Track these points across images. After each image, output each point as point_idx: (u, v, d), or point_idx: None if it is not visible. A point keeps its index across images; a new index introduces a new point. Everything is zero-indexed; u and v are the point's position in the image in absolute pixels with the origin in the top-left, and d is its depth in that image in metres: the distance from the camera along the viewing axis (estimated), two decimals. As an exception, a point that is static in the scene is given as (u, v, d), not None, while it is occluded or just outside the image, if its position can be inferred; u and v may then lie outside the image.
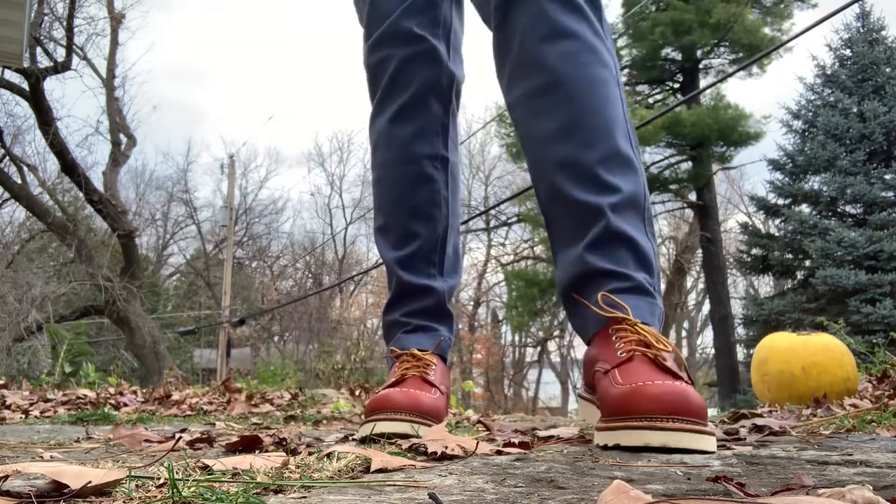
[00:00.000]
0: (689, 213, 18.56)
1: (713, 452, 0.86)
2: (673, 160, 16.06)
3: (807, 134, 13.50)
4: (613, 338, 1.01)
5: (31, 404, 2.81)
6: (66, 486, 0.59)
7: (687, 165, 16.05)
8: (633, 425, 0.88)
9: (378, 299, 23.45)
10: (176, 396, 3.23)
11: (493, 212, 21.32)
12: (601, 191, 1.08)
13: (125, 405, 3.00)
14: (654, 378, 0.91)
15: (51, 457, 0.97)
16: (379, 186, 1.41)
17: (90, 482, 0.59)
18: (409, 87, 1.32)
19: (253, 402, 3.05)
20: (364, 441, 1.11)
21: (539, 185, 1.19)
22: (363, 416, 1.21)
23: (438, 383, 1.23)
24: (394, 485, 0.65)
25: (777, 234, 13.95)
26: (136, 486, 0.63)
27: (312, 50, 37.66)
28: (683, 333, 23.50)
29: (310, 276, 23.68)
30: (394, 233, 1.37)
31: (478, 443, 0.93)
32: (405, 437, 1.07)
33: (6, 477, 0.61)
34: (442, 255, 1.37)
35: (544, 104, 1.14)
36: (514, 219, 21.39)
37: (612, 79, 1.15)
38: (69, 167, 10.36)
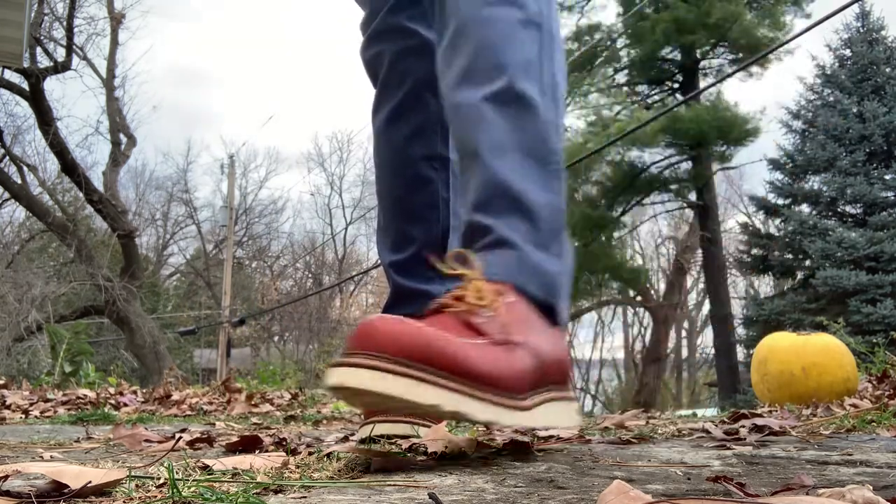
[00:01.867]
0: (689, 213, 18.57)
1: (396, 396, 0.71)
2: (673, 160, 16.06)
3: (807, 134, 13.50)
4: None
5: (31, 404, 2.81)
6: (66, 486, 0.59)
7: (687, 165, 16.05)
8: (339, 361, 0.74)
9: (378, 299, 23.44)
10: (176, 396, 3.23)
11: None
12: (486, 132, 0.98)
13: (125, 405, 3.00)
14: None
15: (51, 457, 0.97)
16: (378, 185, 1.38)
17: (90, 482, 0.59)
18: (404, 84, 1.28)
19: (253, 402, 3.05)
20: (364, 441, 1.07)
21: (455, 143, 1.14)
22: (362, 417, 1.17)
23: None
24: (394, 485, 0.65)
25: (777, 234, 13.96)
26: (136, 486, 0.63)
27: (312, 50, 37.68)
28: (683, 333, 23.52)
29: (310, 276, 23.69)
30: (391, 235, 1.34)
31: (478, 442, 0.93)
32: (406, 437, 1.03)
33: (6, 477, 0.61)
34: (441, 256, 1.32)
35: (449, 54, 1.06)
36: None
37: (521, 19, 1.03)
38: (69, 167, 10.37)
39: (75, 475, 0.60)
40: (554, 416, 0.90)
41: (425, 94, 1.28)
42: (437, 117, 1.28)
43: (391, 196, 1.34)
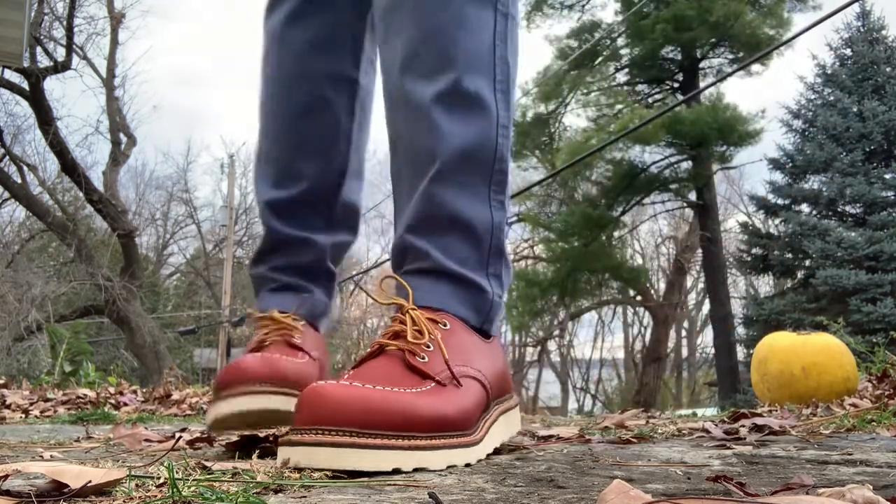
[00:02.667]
0: (689, 212, 18.57)
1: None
2: (673, 160, 16.06)
3: (806, 134, 13.50)
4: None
5: (31, 404, 2.81)
6: (66, 486, 0.59)
7: (687, 165, 16.05)
8: (291, 440, 0.70)
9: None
10: (176, 396, 3.23)
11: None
12: (430, 139, 0.87)
13: (125, 405, 3.00)
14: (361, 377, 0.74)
15: (51, 456, 0.97)
16: (264, 105, 1.12)
17: (90, 482, 0.59)
18: None
19: (253, 402, 3.04)
20: (216, 427, 0.94)
21: (387, 127, 0.96)
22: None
23: (308, 349, 1.01)
24: (394, 484, 0.65)
25: (777, 234, 13.96)
26: (137, 485, 0.63)
27: (312, 49, 37.67)
28: (683, 333, 23.51)
29: (310, 275, 23.65)
30: (274, 167, 1.11)
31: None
32: (270, 417, 0.90)
33: (6, 476, 0.61)
34: (332, 204, 1.11)
35: (393, 24, 0.91)
36: (514, 218, 21.40)
37: (477, 2, 0.90)
38: (69, 167, 10.37)
39: (76, 475, 0.60)
40: (502, 432, 0.87)
41: None
42: (350, 28, 1.07)
43: (282, 117, 1.10)
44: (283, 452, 0.70)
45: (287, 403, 0.89)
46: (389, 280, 0.85)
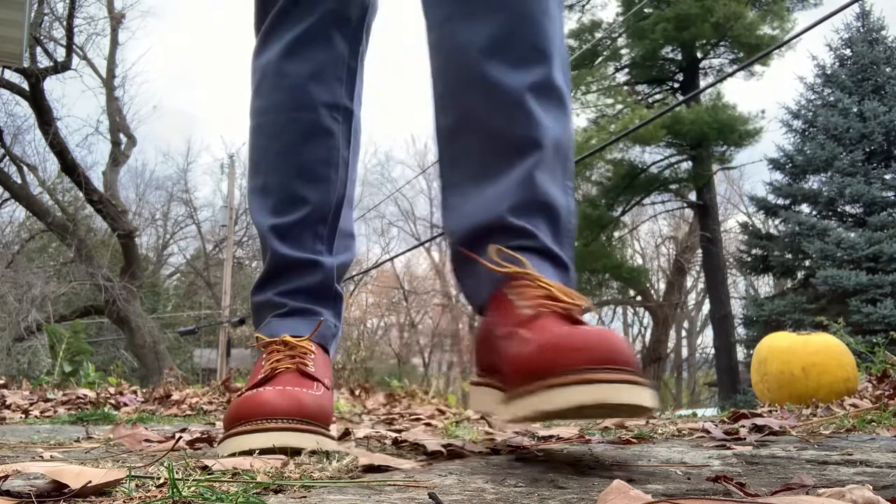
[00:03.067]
0: (689, 213, 18.58)
1: (652, 409, 0.69)
2: (673, 160, 16.07)
3: (806, 134, 13.51)
4: (509, 296, 0.82)
5: (31, 404, 2.81)
6: (66, 486, 0.59)
7: (687, 165, 16.06)
8: (557, 382, 0.67)
9: (378, 299, 23.47)
10: (176, 396, 3.23)
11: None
12: (527, 128, 0.89)
13: (125, 405, 3.00)
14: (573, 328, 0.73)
15: (51, 456, 0.97)
16: (259, 135, 1.13)
17: (90, 482, 0.59)
18: (311, 13, 1.07)
19: (253, 402, 3.04)
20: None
21: (447, 108, 0.95)
22: (223, 430, 0.95)
23: (321, 376, 0.99)
24: (394, 485, 0.65)
25: (777, 234, 13.97)
26: (137, 485, 0.63)
27: (312, 50, 37.69)
28: (683, 333, 23.52)
29: (310, 275, 23.65)
30: (274, 196, 1.10)
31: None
32: (293, 454, 0.83)
33: (6, 477, 0.61)
34: (333, 228, 1.11)
35: (475, 6, 0.91)
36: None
37: None
38: (69, 167, 10.37)
39: (75, 475, 0.60)
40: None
41: (332, 30, 1.09)
42: (344, 61, 1.10)
43: (280, 146, 1.11)
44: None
45: (310, 441, 0.87)
46: (495, 250, 0.85)
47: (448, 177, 0.97)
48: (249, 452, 0.82)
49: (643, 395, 0.68)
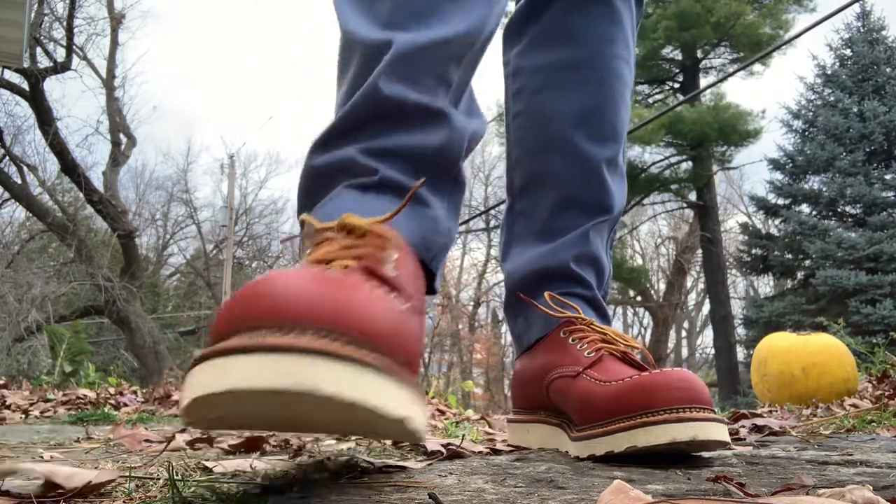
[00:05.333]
0: (689, 213, 18.58)
1: (729, 443, 0.76)
2: (673, 160, 16.07)
3: (807, 134, 13.51)
4: (570, 339, 0.88)
5: (31, 404, 2.81)
6: (60, 487, 0.59)
7: (687, 165, 16.06)
8: (653, 420, 0.72)
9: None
10: (176, 396, 3.23)
11: (493, 212, 21.33)
12: (601, 194, 0.98)
13: (125, 405, 3.00)
14: (645, 371, 0.79)
15: (51, 457, 0.97)
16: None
17: (90, 482, 0.59)
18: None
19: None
20: (193, 415, 0.49)
21: (525, 168, 1.01)
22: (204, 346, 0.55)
23: (405, 284, 0.58)
24: (394, 485, 0.65)
25: (777, 234, 13.97)
26: (137, 485, 0.63)
27: (313, 51, 37.71)
28: (683, 333, 23.52)
29: (310, 276, 23.65)
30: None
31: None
32: (315, 410, 0.45)
33: (5, 477, 0.61)
34: (468, 76, 0.80)
35: (572, 79, 0.98)
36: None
37: (631, 84, 1.04)
38: (69, 167, 10.37)
39: (67, 476, 0.60)
40: None
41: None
42: None
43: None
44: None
45: (374, 388, 0.45)
46: (549, 296, 0.91)
47: (513, 229, 1.02)
48: (222, 400, 0.44)
49: (724, 433, 0.74)
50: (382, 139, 0.73)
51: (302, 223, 0.67)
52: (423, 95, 0.74)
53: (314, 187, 0.75)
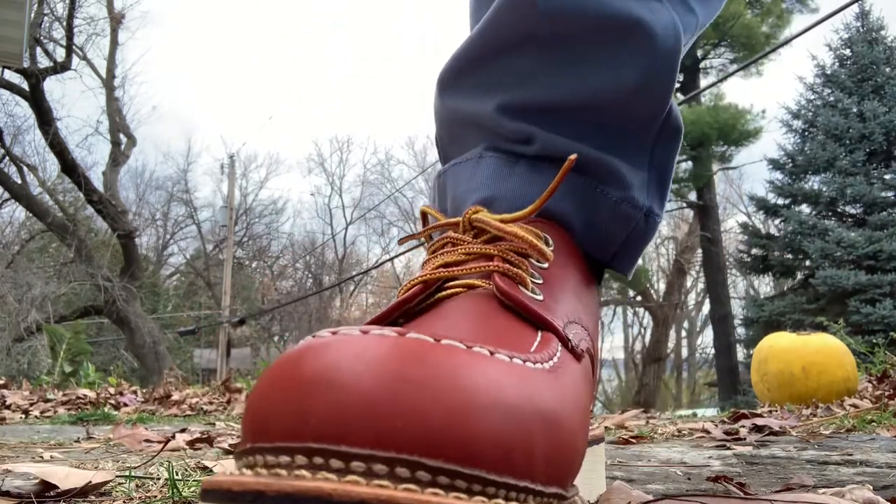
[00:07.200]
0: (689, 213, 18.57)
1: None
2: (673, 160, 16.07)
3: (807, 134, 13.51)
4: None
5: (31, 404, 2.81)
6: (55, 487, 0.59)
7: (687, 165, 16.06)
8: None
9: (378, 299, 23.44)
10: (176, 396, 3.23)
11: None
12: None
13: (125, 405, 3.00)
14: None
15: (51, 457, 0.97)
16: None
17: (90, 482, 0.59)
18: None
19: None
20: None
21: None
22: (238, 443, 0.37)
23: (556, 317, 0.39)
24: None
25: (777, 234, 13.97)
26: (137, 485, 0.63)
27: (313, 51, 37.71)
28: (683, 333, 23.52)
29: (310, 276, 23.69)
30: None
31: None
32: None
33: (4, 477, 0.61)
34: None
35: None
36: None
37: None
38: (69, 167, 10.37)
39: (63, 476, 0.60)
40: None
41: None
42: None
43: None
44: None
45: None
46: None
47: None
48: None
49: None
50: (537, 85, 0.50)
51: (423, 214, 0.50)
52: None
53: (445, 130, 0.57)
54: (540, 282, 0.41)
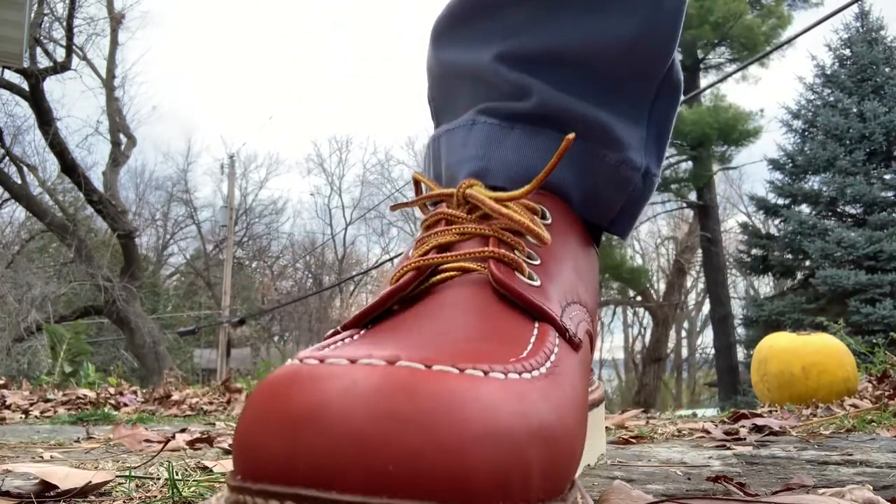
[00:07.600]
0: (689, 213, 18.58)
1: None
2: (673, 160, 16.07)
3: (807, 134, 13.52)
4: None
5: (31, 404, 2.81)
6: (55, 487, 0.59)
7: (687, 165, 16.07)
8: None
9: (378, 299, 23.38)
10: (176, 396, 3.23)
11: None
12: None
13: (125, 405, 3.00)
14: None
15: (51, 457, 0.97)
16: None
17: (90, 482, 0.59)
18: None
19: (253, 402, 3.04)
20: None
21: None
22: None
23: (551, 308, 0.38)
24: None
25: (777, 234, 13.97)
26: (137, 485, 0.63)
27: (313, 51, 37.72)
28: (683, 333, 23.53)
29: (310, 276, 23.69)
30: None
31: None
32: None
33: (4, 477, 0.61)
34: None
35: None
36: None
37: None
38: (69, 167, 10.37)
39: (63, 476, 0.60)
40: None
41: None
42: None
43: None
44: None
45: None
46: None
47: None
48: None
49: None
50: (537, 33, 0.48)
51: (416, 182, 0.46)
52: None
53: (439, 87, 0.54)
54: (537, 263, 0.41)
